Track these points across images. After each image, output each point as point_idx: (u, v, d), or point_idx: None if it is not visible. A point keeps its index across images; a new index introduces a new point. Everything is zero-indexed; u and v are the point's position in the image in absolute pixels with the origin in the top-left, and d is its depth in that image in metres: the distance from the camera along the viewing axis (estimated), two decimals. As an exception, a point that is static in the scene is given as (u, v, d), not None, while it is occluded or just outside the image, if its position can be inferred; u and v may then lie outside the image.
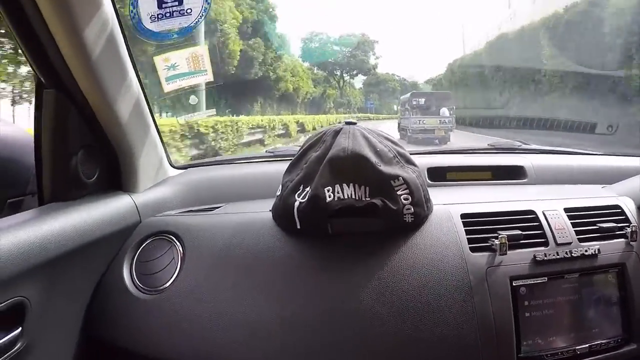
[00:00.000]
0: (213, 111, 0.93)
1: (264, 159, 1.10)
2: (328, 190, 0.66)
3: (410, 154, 0.75)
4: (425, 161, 1.03)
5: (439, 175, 1.03)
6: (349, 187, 0.66)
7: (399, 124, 13.56)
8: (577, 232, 0.75)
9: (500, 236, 0.69)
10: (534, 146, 1.22)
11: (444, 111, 11.00)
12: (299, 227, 0.69)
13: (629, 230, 0.76)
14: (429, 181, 1.01)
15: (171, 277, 0.71)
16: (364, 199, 0.66)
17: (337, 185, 0.66)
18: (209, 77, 0.80)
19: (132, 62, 0.75)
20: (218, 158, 1.14)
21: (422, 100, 11.95)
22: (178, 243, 0.75)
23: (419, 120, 11.04)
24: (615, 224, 0.77)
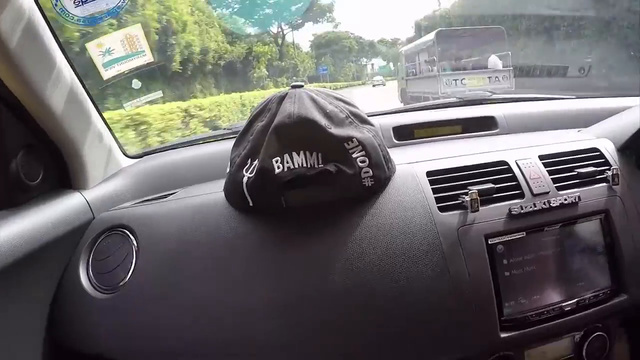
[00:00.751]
0: (159, 93, 0.87)
1: (222, 137, 1.05)
2: (277, 161, 0.61)
3: (371, 115, 0.70)
4: (390, 120, 0.99)
5: (406, 133, 0.98)
6: (299, 155, 0.61)
7: (402, 89, 9.63)
8: (555, 180, 0.70)
9: (470, 192, 0.64)
10: (504, 95, 1.18)
11: (495, 61, 6.65)
12: (251, 204, 0.64)
13: (609, 173, 0.71)
14: (396, 141, 0.96)
15: (128, 273, 0.67)
16: (316, 166, 0.61)
17: (286, 154, 0.61)
18: (148, 57, 0.75)
19: (62, 52, 0.70)
20: (175, 141, 1.09)
21: (455, 45, 7.90)
22: (131, 236, 0.70)
23: (455, 80, 6.75)
24: (595, 168, 0.72)
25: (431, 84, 7.14)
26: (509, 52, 6.91)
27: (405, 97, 9.08)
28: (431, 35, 8.02)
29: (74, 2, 0.69)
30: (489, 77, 6.47)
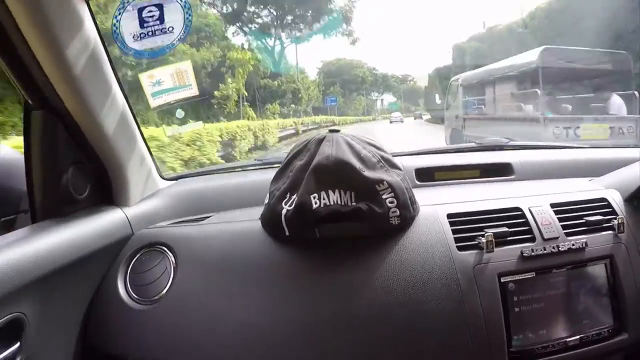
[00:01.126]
0: (200, 123, 0.93)
1: (252, 167, 1.11)
2: (314, 197, 0.67)
3: (396, 155, 0.76)
4: (412, 162, 1.04)
5: (427, 175, 1.04)
6: (334, 193, 0.67)
7: (453, 130, 7.23)
8: (564, 227, 0.76)
9: (486, 234, 0.70)
10: (520, 142, 1.24)
11: (619, 104, 4.77)
12: (287, 234, 0.70)
13: (615, 222, 0.77)
14: (417, 182, 1.01)
15: (165, 287, 0.72)
16: (349, 204, 0.68)
17: (323, 191, 0.67)
18: (194, 91, 0.81)
19: (116, 79, 0.76)
20: (207, 168, 1.15)
21: (561, 73, 5.02)
22: (170, 253, 0.76)
23: (568, 129, 4.65)
24: (602, 217, 0.78)
25: (519, 127, 5.04)
26: (636, 93, 4.68)
27: (459, 141, 6.45)
28: (532, 55, 5.10)
29: (133, 37, 0.75)
30: (611, 127, 4.60)
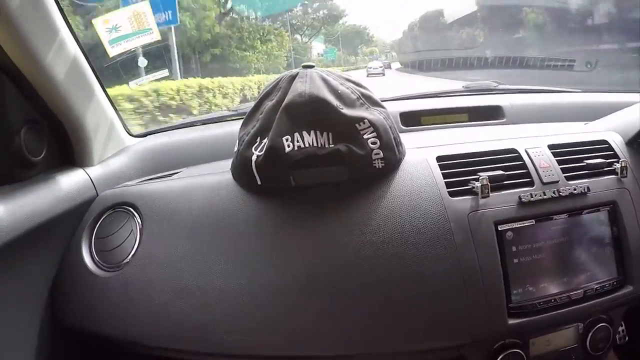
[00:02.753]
0: (165, 72, 0.86)
1: (227, 118, 1.04)
2: (287, 140, 0.60)
3: (381, 100, 0.69)
4: (397, 107, 0.99)
5: (412, 120, 0.98)
6: (309, 134, 0.60)
7: None
8: (564, 170, 0.70)
9: (481, 178, 0.64)
10: (510, 86, 1.18)
11: None
12: (259, 182, 0.63)
13: (618, 165, 0.71)
14: (403, 127, 0.96)
15: (131, 251, 0.66)
16: (327, 146, 0.61)
17: (297, 133, 0.60)
18: (155, 35, 0.74)
19: (67, 25, 0.69)
20: (179, 122, 1.08)
21: None
22: (135, 214, 0.70)
23: None
24: (603, 160, 0.72)
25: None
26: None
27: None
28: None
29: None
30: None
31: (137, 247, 0.66)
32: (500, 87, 1.15)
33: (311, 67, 0.67)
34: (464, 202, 0.64)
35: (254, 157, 0.62)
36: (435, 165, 0.67)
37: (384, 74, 12.97)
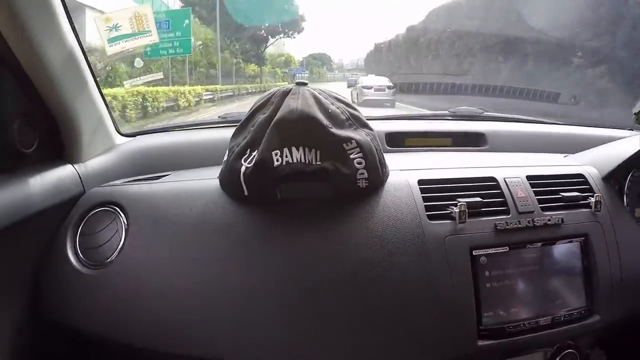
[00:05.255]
0: (160, 75, 0.86)
1: (215, 125, 1.04)
2: (276, 154, 0.62)
3: (367, 119, 0.71)
4: (383, 127, 1.00)
5: (397, 141, 1.00)
6: (298, 150, 0.62)
7: None
8: (540, 201, 0.72)
9: (459, 204, 0.66)
10: (495, 114, 1.21)
11: None
12: (246, 193, 0.64)
13: (592, 200, 0.74)
14: (387, 147, 0.98)
15: (115, 250, 0.67)
16: (314, 163, 0.62)
17: (286, 148, 0.62)
18: (154, 37, 0.74)
19: (71, 24, 0.70)
20: (168, 124, 1.09)
21: None
22: (122, 214, 0.70)
23: None
24: (579, 194, 0.75)
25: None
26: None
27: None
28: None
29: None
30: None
31: (122, 246, 0.67)
32: (485, 114, 1.18)
33: (304, 84, 0.68)
34: (441, 226, 0.66)
35: (242, 169, 0.63)
36: (416, 189, 0.69)
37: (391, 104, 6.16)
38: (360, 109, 0.71)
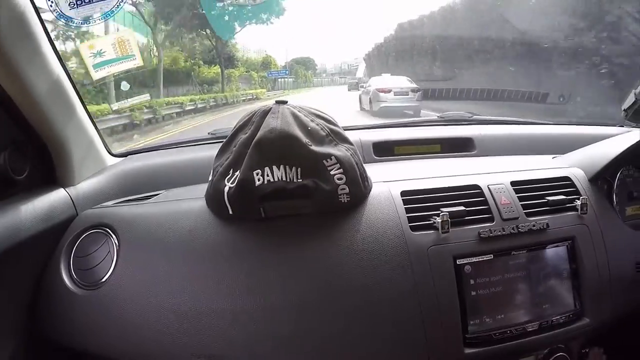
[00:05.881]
0: (147, 96, 0.88)
1: (206, 142, 1.06)
2: (257, 174, 0.63)
3: (353, 128, 0.72)
4: (370, 136, 1.00)
5: (385, 150, 1.00)
6: (279, 169, 0.63)
7: None
8: (525, 207, 0.72)
9: (442, 214, 0.66)
10: (483, 117, 1.21)
11: None
12: (230, 212, 0.66)
13: (578, 202, 0.74)
14: (375, 157, 0.98)
15: (108, 271, 0.68)
16: (295, 180, 0.63)
17: (267, 167, 0.63)
18: (138, 61, 0.76)
19: (54, 51, 0.71)
20: (159, 143, 1.10)
21: None
22: (113, 235, 0.72)
23: None
24: (564, 197, 0.75)
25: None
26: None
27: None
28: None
29: (69, 4, 0.70)
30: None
31: (114, 267, 0.68)
32: (474, 117, 1.18)
33: (284, 102, 0.69)
34: (424, 237, 0.67)
35: (226, 189, 0.65)
36: (399, 200, 0.70)
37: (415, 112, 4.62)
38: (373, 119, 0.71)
